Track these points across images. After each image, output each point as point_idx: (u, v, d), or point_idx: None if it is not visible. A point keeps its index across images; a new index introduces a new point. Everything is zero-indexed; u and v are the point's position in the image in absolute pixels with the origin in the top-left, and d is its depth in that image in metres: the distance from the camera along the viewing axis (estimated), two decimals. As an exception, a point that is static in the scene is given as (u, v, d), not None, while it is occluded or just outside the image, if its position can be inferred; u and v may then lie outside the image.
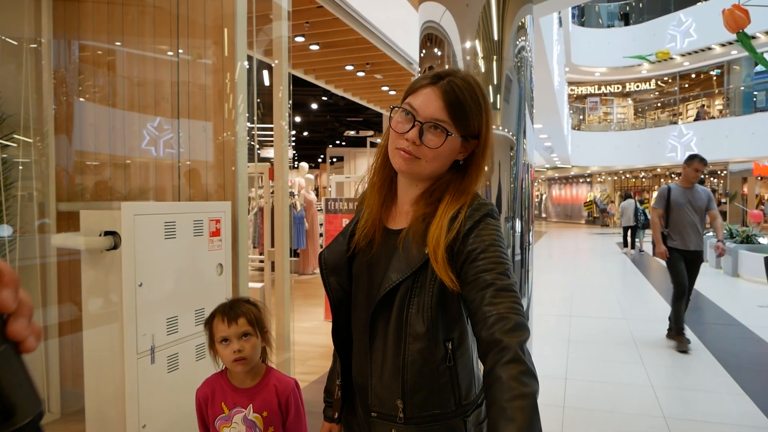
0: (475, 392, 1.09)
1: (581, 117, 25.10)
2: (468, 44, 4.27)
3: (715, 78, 21.60)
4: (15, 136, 2.80)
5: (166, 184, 2.93)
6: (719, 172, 21.30)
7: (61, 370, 2.97)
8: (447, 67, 2.82)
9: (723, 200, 20.59)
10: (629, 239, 13.64)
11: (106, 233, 2.11)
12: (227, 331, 1.53)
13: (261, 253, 8.09)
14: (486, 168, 1.10)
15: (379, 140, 1.22)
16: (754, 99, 19.33)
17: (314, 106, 16.01)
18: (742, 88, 19.67)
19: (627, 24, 22.97)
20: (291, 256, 8.09)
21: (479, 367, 1.02)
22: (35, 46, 2.95)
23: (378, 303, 1.04)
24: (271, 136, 3.29)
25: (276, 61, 3.28)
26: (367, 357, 1.08)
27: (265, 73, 4.10)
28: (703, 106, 21.34)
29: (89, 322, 2.31)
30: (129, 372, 2.11)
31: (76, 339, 2.60)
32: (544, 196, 33.37)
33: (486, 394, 0.83)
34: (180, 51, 2.92)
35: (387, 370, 1.05)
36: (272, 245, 3.36)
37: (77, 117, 3.08)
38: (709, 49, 18.81)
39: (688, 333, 5.41)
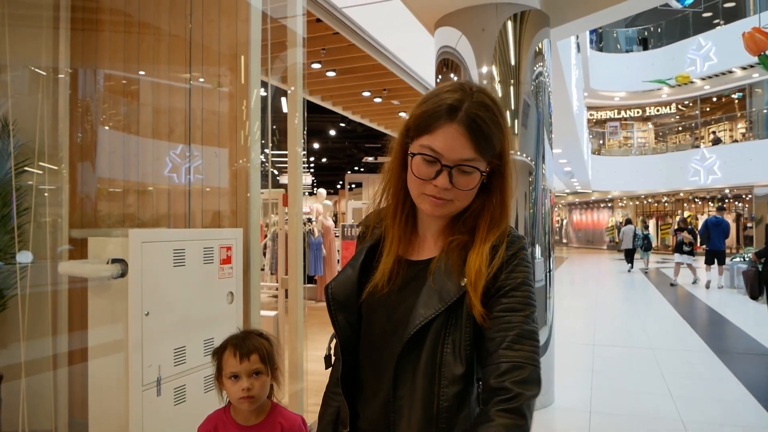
0: None
1: (601, 141, 24.88)
2: (485, 69, 4.24)
3: (737, 101, 21.29)
4: (30, 162, 2.81)
5: (181, 210, 2.91)
6: (744, 196, 20.83)
7: (70, 399, 2.91)
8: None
9: (749, 225, 20.10)
10: (629, 259, 15.80)
11: (113, 261, 2.08)
12: (238, 367, 1.45)
13: (278, 280, 8.08)
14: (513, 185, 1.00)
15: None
16: (778, 122, 18.99)
17: (332, 132, 16.16)
18: (765, 110, 19.34)
19: (645, 49, 22.85)
20: (307, 283, 8.05)
21: None
22: (52, 74, 2.98)
23: (406, 342, 0.92)
24: (289, 162, 3.26)
25: (291, 88, 3.27)
26: (389, 406, 0.95)
27: (283, 99, 4.12)
28: (714, 132, 21.03)
29: (95, 351, 2.26)
30: (134, 404, 2.05)
31: (84, 368, 2.55)
32: (564, 222, 32.97)
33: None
34: (201, 79, 2.93)
35: (416, 419, 0.92)
36: (286, 272, 3.30)
37: (92, 144, 3.09)
38: (730, 72, 18.58)
39: (717, 363, 5.19)
